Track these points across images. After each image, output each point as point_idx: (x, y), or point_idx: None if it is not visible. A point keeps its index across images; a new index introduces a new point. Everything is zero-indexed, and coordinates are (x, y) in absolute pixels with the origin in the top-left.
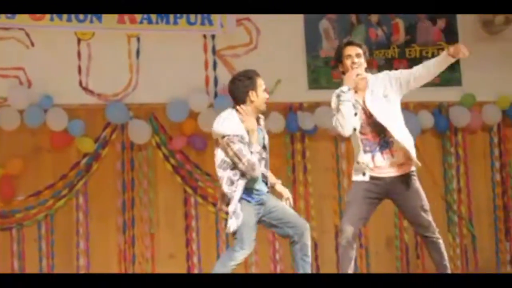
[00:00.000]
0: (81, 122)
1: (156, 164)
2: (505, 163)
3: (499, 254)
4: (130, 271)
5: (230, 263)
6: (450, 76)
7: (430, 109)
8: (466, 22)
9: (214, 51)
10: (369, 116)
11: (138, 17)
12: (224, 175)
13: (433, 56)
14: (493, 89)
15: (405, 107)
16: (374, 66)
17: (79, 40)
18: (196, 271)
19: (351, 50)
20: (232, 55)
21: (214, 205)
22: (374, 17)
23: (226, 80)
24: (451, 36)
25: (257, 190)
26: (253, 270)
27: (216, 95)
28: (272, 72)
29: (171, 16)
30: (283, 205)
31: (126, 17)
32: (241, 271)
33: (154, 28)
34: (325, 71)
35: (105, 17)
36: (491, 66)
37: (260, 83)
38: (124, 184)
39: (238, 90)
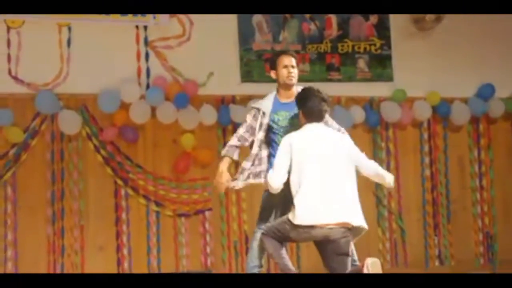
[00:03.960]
0: (10, 111)
1: (87, 155)
2: (434, 158)
3: (428, 248)
4: (59, 263)
5: (252, 242)
6: (382, 71)
7: (361, 104)
8: (398, 18)
9: (146, 42)
10: None
11: None
12: None
13: (365, 51)
14: (424, 85)
15: (337, 101)
16: (307, 60)
17: (8, 28)
18: (126, 264)
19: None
20: (165, 47)
21: (145, 197)
22: None
23: (158, 72)
24: (383, 31)
25: None
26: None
27: (148, 86)
28: (205, 65)
29: None
30: None
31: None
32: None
33: (85, 18)
34: (258, 64)
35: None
36: (422, 62)
37: (281, 61)
38: (53, 175)
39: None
